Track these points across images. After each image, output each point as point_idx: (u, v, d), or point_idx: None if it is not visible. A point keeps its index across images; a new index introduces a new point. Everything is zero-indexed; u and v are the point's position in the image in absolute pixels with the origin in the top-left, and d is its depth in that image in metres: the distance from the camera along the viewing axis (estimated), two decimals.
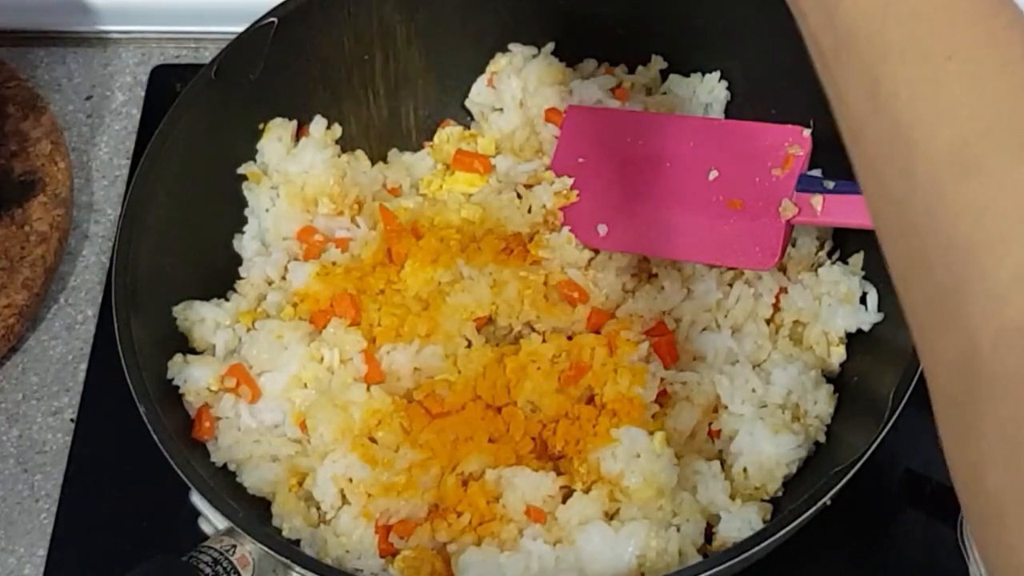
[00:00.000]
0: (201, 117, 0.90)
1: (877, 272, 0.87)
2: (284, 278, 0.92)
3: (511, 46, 1.00)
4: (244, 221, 0.95)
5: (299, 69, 0.94)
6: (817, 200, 0.85)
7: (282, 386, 0.86)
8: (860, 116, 0.50)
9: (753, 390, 0.84)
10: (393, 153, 1.00)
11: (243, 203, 0.95)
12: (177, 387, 0.85)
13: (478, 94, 1.00)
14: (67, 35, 1.16)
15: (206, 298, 0.90)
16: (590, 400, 0.86)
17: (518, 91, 0.98)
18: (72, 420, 0.97)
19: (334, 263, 0.92)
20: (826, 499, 0.73)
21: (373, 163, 0.99)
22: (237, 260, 0.94)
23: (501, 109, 0.99)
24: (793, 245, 0.91)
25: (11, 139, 1.05)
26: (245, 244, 0.94)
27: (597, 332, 0.88)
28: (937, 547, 0.88)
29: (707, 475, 0.81)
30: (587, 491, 0.82)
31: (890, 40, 0.49)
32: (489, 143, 0.98)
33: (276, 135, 0.95)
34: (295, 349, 0.87)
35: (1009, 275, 0.43)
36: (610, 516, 0.81)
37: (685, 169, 0.92)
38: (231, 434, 0.85)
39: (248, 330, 0.89)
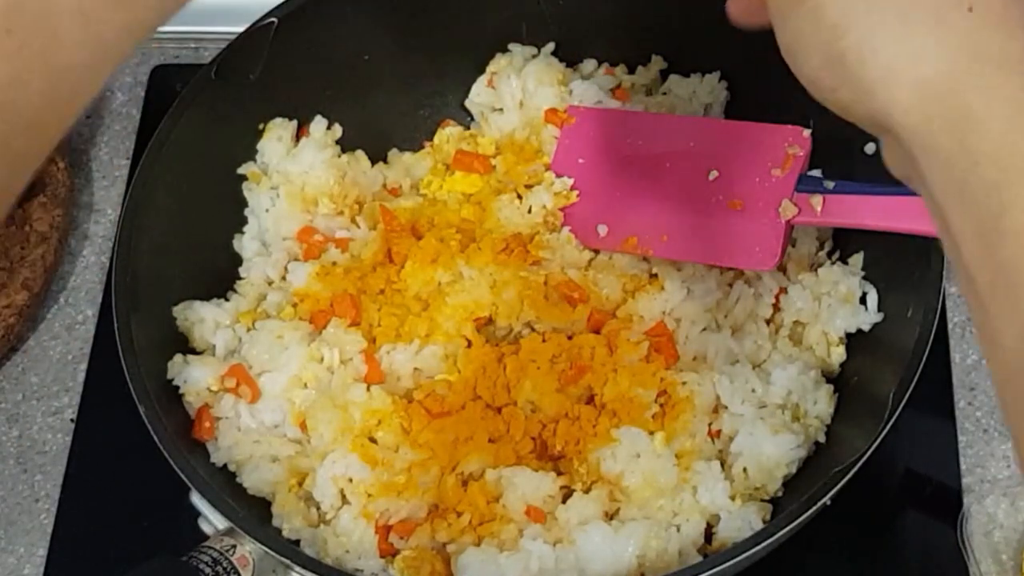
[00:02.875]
0: (201, 117, 0.90)
1: (877, 272, 0.87)
2: (284, 278, 0.92)
3: (511, 46, 1.00)
4: (244, 221, 0.95)
5: (299, 69, 0.94)
6: (817, 200, 0.85)
7: (282, 386, 0.86)
8: (1018, 360, 0.46)
9: (753, 390, 0.84)
10: (393, 153, 1.00)
11: (243, 203, 0.95)
12: (177, 387, 0.85)
13: (478, 94, 1.00)
14: None
15: (206, 298, 0.90)
16: (590, 400, 0.86)
17: (518, 91, 0.98)
18: (72, 420, 0.97)
19: (334, 263, 0.92)
20: (826, 499, 0.73)
21: (373, 163, 0.99)
22: (237, 260, 0.94)
23: (501, 109, 0.99)
24: (793, 245, 0.90)
25: None
26: (245, 244, 0.94)
27: (597, 332, 0.88)
28: (937, 547, 0.88)
29: (707, 475, 0.81)
30: (587, 491, 0.82)
31: None
32: (489, 143, 0.98)
33: (276, 135, 0.95)
34: (295, 349, 0.87)
35: None
36: (610, 516, 0.81)
37: (685, 169, 0.92)
38: (231, 434, 0.85)
39: (248, 330, 0.89)
